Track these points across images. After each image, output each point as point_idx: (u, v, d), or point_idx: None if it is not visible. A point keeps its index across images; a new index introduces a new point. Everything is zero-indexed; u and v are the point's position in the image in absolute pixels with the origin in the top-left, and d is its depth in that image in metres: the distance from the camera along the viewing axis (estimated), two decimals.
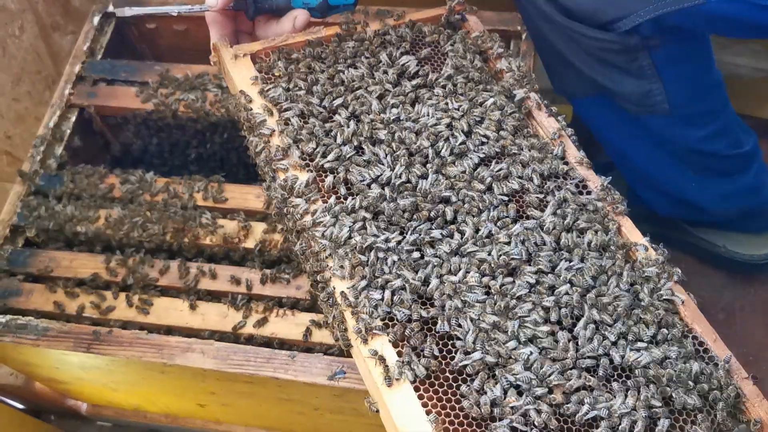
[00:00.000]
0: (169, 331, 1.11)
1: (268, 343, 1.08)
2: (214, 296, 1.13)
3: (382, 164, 0.93)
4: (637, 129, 1.30)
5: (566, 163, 1.00)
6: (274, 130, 0.95)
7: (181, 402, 1.34)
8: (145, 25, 1.42)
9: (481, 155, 0.96)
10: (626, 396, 0.80)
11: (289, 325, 1.08)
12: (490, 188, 0.94)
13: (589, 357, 0.82)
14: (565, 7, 1.10)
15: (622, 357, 0.83)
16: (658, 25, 1.09)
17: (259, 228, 1.16)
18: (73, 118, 1.31)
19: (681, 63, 1.20)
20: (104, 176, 1.24)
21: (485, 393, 0.79)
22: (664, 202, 1.45)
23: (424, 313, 0.83)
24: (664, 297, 0.89)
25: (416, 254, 0.87)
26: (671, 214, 1.48)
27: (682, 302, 0.90)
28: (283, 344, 1.08)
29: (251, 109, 0.97)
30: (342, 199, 0.91)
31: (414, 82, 1.02)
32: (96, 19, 1.39)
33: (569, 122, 1.32)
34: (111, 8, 1.40)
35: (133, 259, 1.16)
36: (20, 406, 1.47)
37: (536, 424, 0.77)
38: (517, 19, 1.27)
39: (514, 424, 0.77)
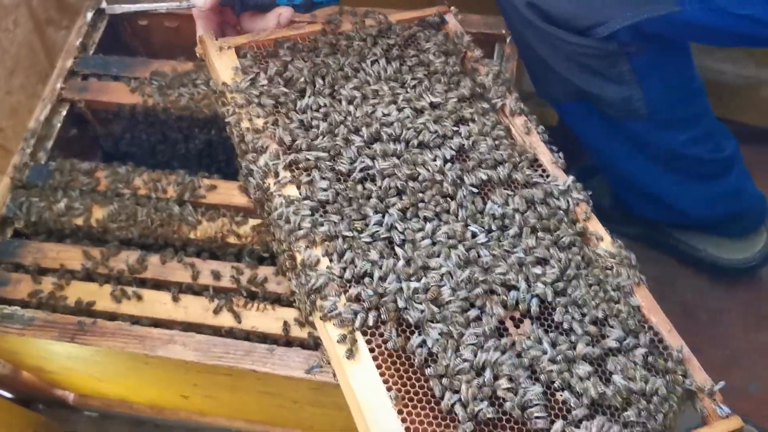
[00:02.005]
0: (154, 323, 1.13)
1: (248, 336, 1.10)
2: (197, 290, 1.15)
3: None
4: (619, 133, 1.33)
5: (540, 165, 1.03)
6: (254, 122, 0.98)
7: (166, 393, 1.36)
8: (137, 22, 1.44)
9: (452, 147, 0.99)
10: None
11: (269, 320, 1.10)
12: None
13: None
14: (546, 13, 1.12)
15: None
16: (637, 32, 1.11)
17: (244, 223, 1.18)
18: (64, 112, 1.34)
19: (661, 69, 1.23)
20: (93, 170, 1.26)
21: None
22: (647, 206, 1.48)
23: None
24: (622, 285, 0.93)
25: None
26: (653, 217, 1.50)
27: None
28: (264, 338, 1.10)
29: (233, 101, 0.99)
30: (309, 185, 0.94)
31: (391, 79, 1.05)
32: (89, 15, 1.41)
33: (554, 125, 1.34)
34: (104, 4, 1.42)
35: (119, 252, 1.18)
36: (8, 395, 1.49)
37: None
38: (502, 22, 1.29)
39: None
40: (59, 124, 1.33)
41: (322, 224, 0.91)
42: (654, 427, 0.85)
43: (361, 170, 0.96)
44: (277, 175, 0.95)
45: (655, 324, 0.93)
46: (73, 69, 1.36)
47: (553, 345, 0.87)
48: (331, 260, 0.89)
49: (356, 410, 0.82)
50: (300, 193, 0.94)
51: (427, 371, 0.83)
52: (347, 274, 0.88)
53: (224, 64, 1.04)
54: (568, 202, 0.99)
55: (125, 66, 1.36)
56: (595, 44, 1.13)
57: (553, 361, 0.85)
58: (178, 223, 1.18)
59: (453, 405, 0.81)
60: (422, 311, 0.86)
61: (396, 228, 0.93)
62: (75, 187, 1.24)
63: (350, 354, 0.83)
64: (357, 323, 0.85)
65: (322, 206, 0.93)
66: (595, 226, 0.99)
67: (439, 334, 0.85)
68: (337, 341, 0.84)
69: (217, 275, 1.14)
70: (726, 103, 1.61)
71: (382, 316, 0.86)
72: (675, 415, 0.88)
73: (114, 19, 1.43)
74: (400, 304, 0.86)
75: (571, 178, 1.01)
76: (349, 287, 0.88)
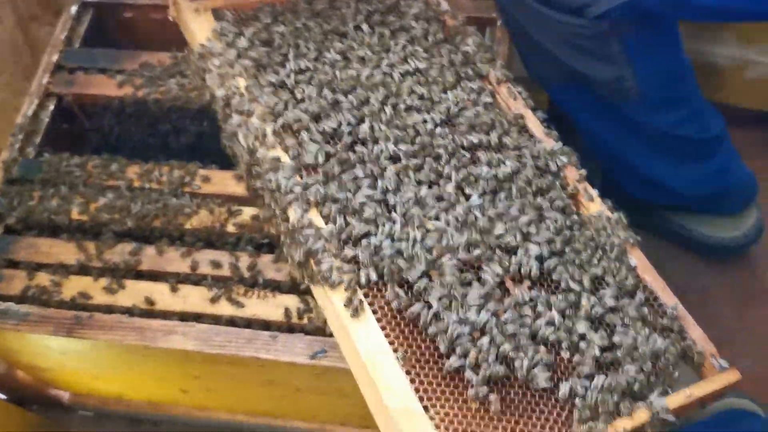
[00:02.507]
0: (152, 314, 1.12)
1: (250, 324, 1.09)
2: (196, 280, 1.14)
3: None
4: (610, 114, 1.33)
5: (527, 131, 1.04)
6: (238, 84, 0.96)
7: (164, 388, 1.34)
8: (122, 15, 1.43)
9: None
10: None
11: (270, 307, 1.09)
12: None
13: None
14: None
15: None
16: (629, 11, 1.12)
17: (241, 213, 1.17)
18: (52, 107, 1.32)
19: (651, 50, 1.23)
20: (84, 163, 1.24)
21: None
22: (637, 186, 1.49)
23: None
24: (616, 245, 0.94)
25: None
26: (644, 197, 1.51)
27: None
28: (266, 326, 1.09)
29: (213, 63, 0.98)
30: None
31: (375, 44, 1.05)
32: (74, 9, 1.40)
33: (546, 108, 1.35)
34: None
35: (114, 244, 1.17)
36: (2, 396, 1.47)
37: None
38: (492, 6, 1.29)
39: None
40: (47, 119, 1.31)
41: (313, 186, 0.90)
42: (654, 382, 0.85)
43: (351, 133, 0.96)
44: (264, 137, 0.94)
45: (649, 283, 0.95)
46: (60, 63, 1.34)
47: (554, 304, 0.88)
48: (326, 222, 0.88)
49: (362, 374, 0.82)
50: (289, 156, 0.92)
51: (430, 330, 0.83)
52: (343, 236, 0.87)
53: (201, 27, 1.01)
54: (557, 165, 1.00)
55: (112, 58, 1.34)
56: (587, 24, 1.14)
57: (554, 321, 0.86)
58: (174, 213, 1.17)
59: (460, 368, 0.81)
60: (423, 272, 0.85)
61: (390, 191, 0.92)
62: (66, 181, 1.23)
63: (355, 313, 0.83)
64: (360, 281, 0.84)
65: (312, 169, 0.92)
66: (586, 188, 1.00)
67: (442, 295, 0.84)
68: (340, 304, 0.83)
69: (215, 264, 1.13)
70: (711, 85, 1.63)
71: (384, 277, 0.85)
72: (673, 370, 0.89)
73: (99, 13, 1.42)
74: (401, 264, 0.85)
75: (560, 143, 1.02)
76: (345, 249, 0.87)
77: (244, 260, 1.13)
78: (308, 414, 1.34)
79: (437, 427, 0.79)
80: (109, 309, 1.12)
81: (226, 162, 1.36)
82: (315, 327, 1.07)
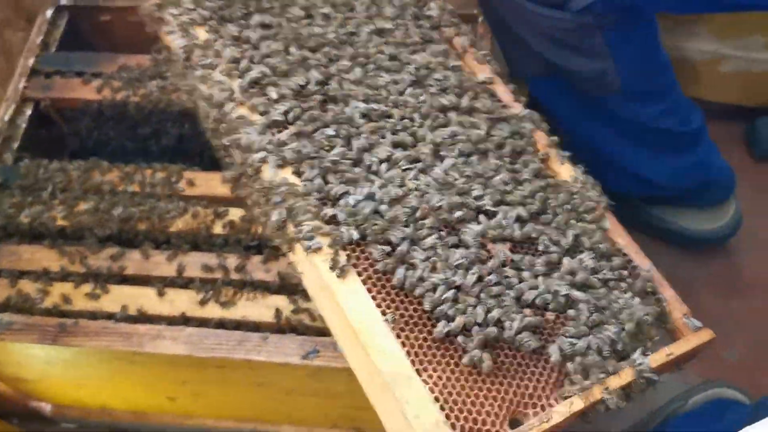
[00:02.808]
0: (138, 319, 1.10)
1: (239, 326, 1.08)
2: (182, 283, 1.12)
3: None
4: (591, 108, 1.35)
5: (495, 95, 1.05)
6: (199, 38, 0.94)
7: (150, 396, 1.32)
8: (98, 18, 1.41)
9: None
10: None
11: (260, 308, 1.08)
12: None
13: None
14: None
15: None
16: (610, 4, 1.13)
17: (227, 214, 1.16)
18: (29, 112, 1.29)
19: (632, 43, 1.25)
20: (63, 168, 1.22)
21: None
22: (619, 179, 1.50)
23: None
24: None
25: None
26: (626, 190, 1.52)
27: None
28: (256, 327, 1.08)
29: (173, 16, 0.95)
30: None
31: (339, 3, 1.04)
32: (49, 13, 1.37)
33: (526, 102, 1.35)
34: (64, 1, 1.38)
35: (97, 250, 1.15)
36: None
37: None
38: (473, 2, 1.30)
39: None
40: (24, 124, 1.28)
41: (287, 144, 0.87)
42: (636, 342, 0.86)
43: (321, 92, 0.94)
44: (232, 93, 0.91)
45: (623, 246, 0.96)
46: (36, 67, 1.32)
47: (536, 266, 0.88)
48: (301, 181, 0.86)
49: (351, 339, 0.79)
50: (258, 113, 0.90)
51: (417, 292, 0.82)
52: (321, 195, 0.85)
53: None
54: (527, 128, 1.01)
55: (89, 62, 1.32)
56: (570, 17, 1.15)
57: (538, 282, 0.86)
58: (158, 216, 1.15)
59: (450, 332, 0.80)
60: (406, 233, 0.83)
61: (366, 150, 0.91)
62: (46, 186, 1.20)
63: (341, 274, 0.81)
64: (343, 241, 0.82)
65: (284, 126, 0.90)
66: (557, 153, 1.01)
67: (426, 257, 0.83)
68: (323, 266, 0.81)
69: (202, 267, 1.11)
70: (687, 79, 1.65)
71: (367, 238, 0.83)
72: (653, 331, 0.90)
73: (74, 16, 1.39)
74: (383, 224, 0.83)
75: (527, 109, 1.03)
76: (324, 208, 0.85)
77: (232, 262, 1.11)
78: (298, 417, 1.32)
79: (431, 390, 0.78)
80: (95, 315, 1.10)
81: (208, 164, 1.35)
82: (306, 326, 1.06)
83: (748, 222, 1.63)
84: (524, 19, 1.19)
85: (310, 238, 0.83)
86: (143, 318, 1.09)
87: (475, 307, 0.82)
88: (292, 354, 1.03)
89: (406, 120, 0.94)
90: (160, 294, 1.10)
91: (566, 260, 0.88)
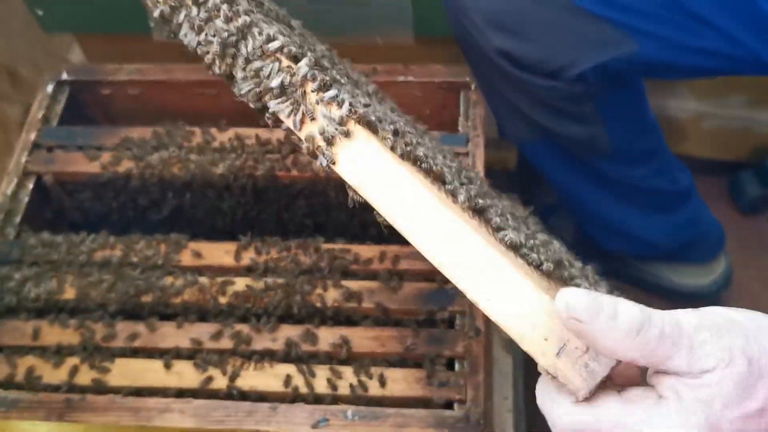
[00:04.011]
0: (145, 392, 1.09)
1: (247, 397, 1.08)
2: (189, 354, 1.12)
3: None
4: (583, 170, 1.38)
5: None
6: None
7: None
8: (99, 92, 1.43)
9: None
10: None
11: (268, 378, 1.08)
12: None
13: None
14: (516, 59, 1.17)
15: None
16: (600, 72, 1.17)
17: (232, 284, 1.17)
18: (31, 186, 1.30)
19: (621, 107, 1.29)
20: (65, 242, 1.23)
21: None
22: (611, 238, 1.53)
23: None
24: None
25: None
26: (618, 249, 1.56)
27: None
28: (263, 397, 1.08)
29: None
30: None
31: None
32: (50, 88, 1.39)
33: (512, 169, 1.40)
34: (64, 76, 1.41)
35: (102, 324, 1.15)
36: None
37: None
38: (466, 71, 1.34)
39: None
40: (26, 198, 1.29)
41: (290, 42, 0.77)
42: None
43: None
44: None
45: None
46: (37, 142, 1.33)
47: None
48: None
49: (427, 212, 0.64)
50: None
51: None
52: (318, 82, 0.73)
53: None
54: None
55: (91, 135, 1.34)
56: (562, 86, 1.19)
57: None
58: (163, 288, 1.16)
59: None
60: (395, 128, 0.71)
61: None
62: (48, 261, 1.21)
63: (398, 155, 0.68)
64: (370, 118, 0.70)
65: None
66: None
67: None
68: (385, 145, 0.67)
69: (208, 337, 1.12)
70: (670, 136, 1.70)
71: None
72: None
73: (75, 91, 1.42)
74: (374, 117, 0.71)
75: None
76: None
77: (239, 332, 1.12)
78: None
79: None
80: (101, 390, 1.09)
81: (207, 233, 1.37)
82: (315, 396, 1.07)
83: (737, 275, 1.67)
84: (517, 87, 1.23)
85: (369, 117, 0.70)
86: (151, 391, 1.09)
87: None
88: (301, 423, 1.03)
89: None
90: (167, 366, 1.10)
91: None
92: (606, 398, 0.53)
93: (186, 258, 1.20)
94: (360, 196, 0.67)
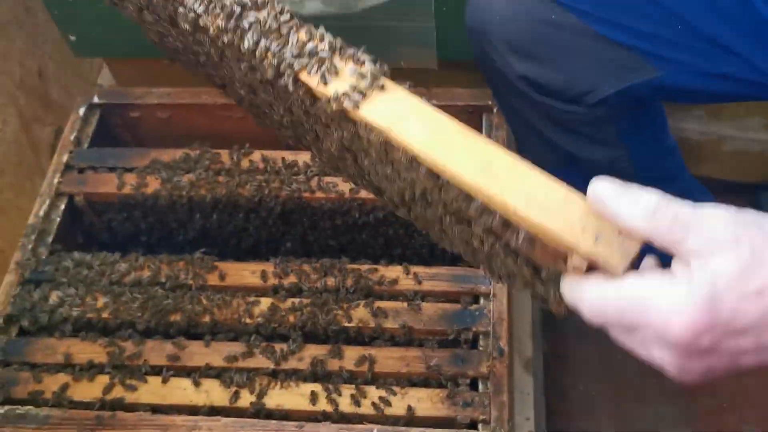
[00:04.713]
0: (173, 410, 1.11)
1: (274, 415, 1.10)
2: (217, 373, 1.14)
3: None
4: None
5: None
6: None
7: None
8: (128, 115, 1.47)
9: None
10: None
11: (294, 396, 1.10)
12: None
13: None
14: (539, 85, 1.19)
15: None
16: (622, 97, 1.19)
17: (258, 303, 1.19)
18: (63, 206, 1.34)
19: (642, 130, 1.31)
20: (96, 261, 1.26)
21: None
22: (637, 262, 1.54)
23: None
24: None
25: None
26: None
27: None
28: (289, 416, 1.10)
29: None
30: None
31: None
32: (82, 110, 1.43)
33: None
34: (96, 99, 1.44)
35: (131, 342, 1.17)
36: None
37: None
38: (487, 94, 1.36)
39: None
40: (58, 218, 1.32)
41: None
42: None
43: None
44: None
45: None
46: (69, 163, 1.37)
47: None
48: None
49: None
50: None
51: None
52: None
53: None
54: None
55: (121, 157, 1.38)
56: (584, 111, 1.20)
57: None
58: (191, 308, 1.18)
59: None
60: None
61: None
62: (79, 280, 1.24)
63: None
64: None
65: None
66: None
67: None
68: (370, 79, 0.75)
69: (235, 356, 1.14)
70: (689, 158, 1.71)
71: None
72: None
73: (106, 113, 1.45)
74: None
75: None
76: None
77: (265, 351, 1.14)
78: None
79: None
80: (131, 407, 1.11)
81: (233, 252, 1.39)
82: (340, 415, 1.08)
83: None
84: (539, 111, 1.25)
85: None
86: (179, 409, 1.11)
87: None
88: None
89: None
90: (196, 384, 1.12)
91: None
92: (628, 276, 0.61)
93: (213, 278, 1.22)
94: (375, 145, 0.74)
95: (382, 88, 0.75)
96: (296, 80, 0.79)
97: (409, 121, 0.72)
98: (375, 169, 0.81)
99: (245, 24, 0.81)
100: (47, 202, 1.33)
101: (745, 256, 0.57)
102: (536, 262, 0.69)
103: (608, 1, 1.14)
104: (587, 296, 0.62)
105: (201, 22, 0.84)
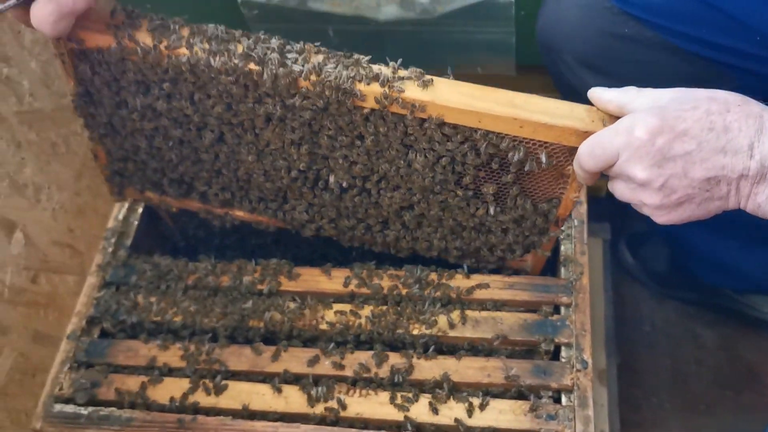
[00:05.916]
0: (253, 416, 1.12)
1: (355, 424, 1.09)
2: (295, 379, 1.14)
3: None
4: None
5: None
6: None
7: None
8: None
9: None
10: None
11: (373, 405, 1.09)
12: None
13: None
14: None
15: None
16: None
17: (331, 308, 1.19)
18: (140, 210, 1.35)
19: None
20: (174, 266, 1.27)
21: None
22: (711, 272, 1.50)
23: None
24: None
25: None
26: (718, 282, 1.53)
27: None
28: (368, 424, 1.09)
29: None
30: None
31: None
32: None
33: (603, 196, 1.38)
34: None
35: (210, 346, 1.18)
36: None
37: None
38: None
39: None
40: (136, 222, 1.34)
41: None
42: None
43: None
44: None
45: None
46: None
47: None
48: None
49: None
50: None
51: None
52: None
53: None
54: None
55: None
56: None
57: None
58: (267, 313, 1.19)
59: None
60: None
61: None
62: (158, 284, 1.25)
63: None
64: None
65: None
66: None
67: None
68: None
69: (314, 362, 1.14)
70: None
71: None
72: None
73: None
74: None
75: None
76: None
77: (344, 358, 1.14)
78: None
79: None
80: (212, 411, 1.12)
81: (306, 258, 1.39)
82: (417, 426, 1.07)
83: None
84: None
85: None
86: (259, 414, 1.11)
87: None
88: None
89: None
90: (275, 390, 1.12)
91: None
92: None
93: (290, 284, 1.22)
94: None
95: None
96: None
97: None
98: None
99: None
100: (126, 205, 1.35)
101: (680, 92, 0.84)
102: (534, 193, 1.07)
103: (686, 16, 1.13)
104: (584, 145, 0.88)
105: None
